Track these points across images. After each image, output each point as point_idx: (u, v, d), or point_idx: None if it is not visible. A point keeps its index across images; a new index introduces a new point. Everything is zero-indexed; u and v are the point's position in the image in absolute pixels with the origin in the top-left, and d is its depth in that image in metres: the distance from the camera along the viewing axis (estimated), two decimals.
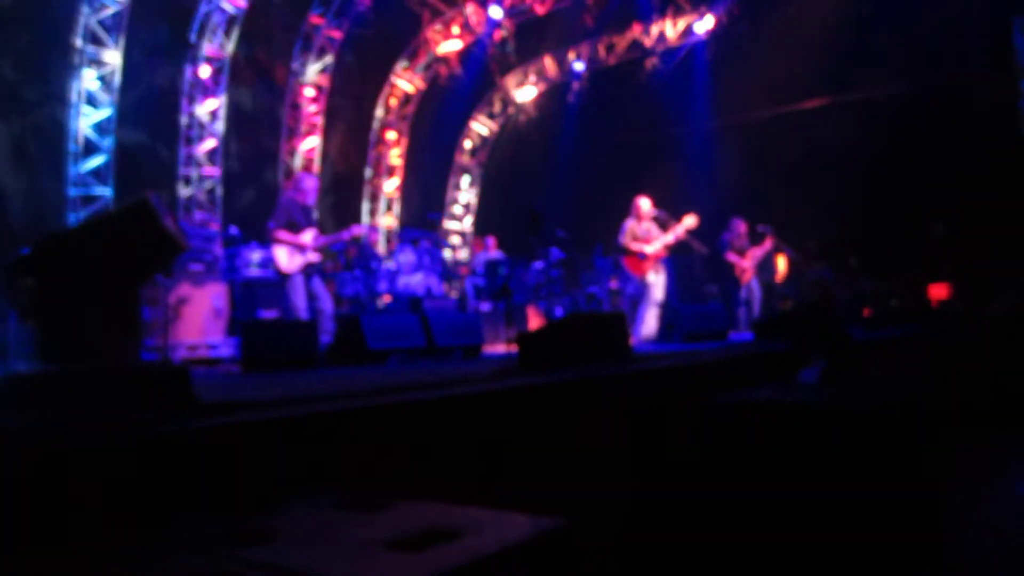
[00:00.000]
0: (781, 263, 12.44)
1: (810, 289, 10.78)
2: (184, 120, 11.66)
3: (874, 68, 12.96)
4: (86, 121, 10.06)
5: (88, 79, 10.05)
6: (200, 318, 8.77)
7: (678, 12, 14.48)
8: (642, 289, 9.17)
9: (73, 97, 9.97)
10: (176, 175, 11.59)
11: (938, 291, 11.99)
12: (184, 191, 11.59)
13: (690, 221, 9.18)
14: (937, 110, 12.03)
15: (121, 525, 1.84)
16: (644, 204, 9.31)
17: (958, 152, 11.84)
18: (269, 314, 9.26)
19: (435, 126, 16.23)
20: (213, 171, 11.90)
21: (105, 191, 10.13)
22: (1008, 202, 11.13)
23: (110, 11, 10.09)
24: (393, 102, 15.57)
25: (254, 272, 9.65)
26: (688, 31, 14.72)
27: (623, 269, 9.40)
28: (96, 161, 10.13)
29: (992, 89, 12.05)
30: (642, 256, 9.09)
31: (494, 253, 12.97)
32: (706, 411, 3.48)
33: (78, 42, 9.91)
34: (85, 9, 9.90)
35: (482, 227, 16.67)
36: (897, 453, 3.30)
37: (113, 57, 10.20)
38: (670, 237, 9.19)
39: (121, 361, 2.78)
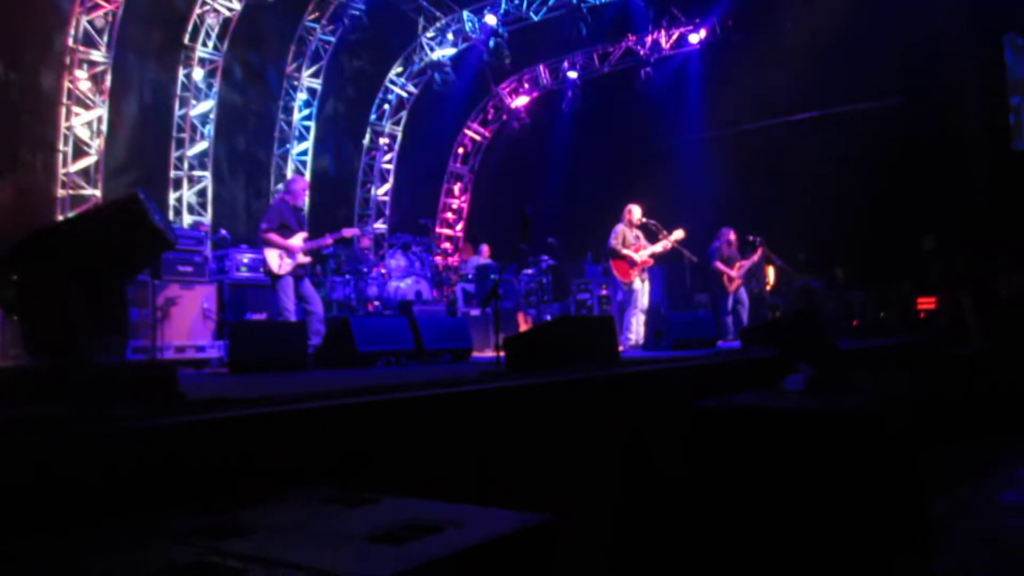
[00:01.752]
0: (771, 273, 12.49)
1: (797, 297, 10.83)
2: (176, 122, 11.64)
3: (866, 81, 13.05)
4: (77, 121, 10.03)
5: (79, 79, 10.02)
6: (188, 320, 8.74)
7: (672, 22, 14.53)
8: (628, 296, 9.22)
9: (64, 97, 9.94)
10: (167, 176, 11.56)
11: (927, 303, 12.06)
12: (174, 193, 11.56)
13: (679, 234, 9.33)
14: (928, 123, 12.10)
15: (105, 517, 1.84)
16: (635, 211, 9.39)
17: (949, 165, 11.92)
18: (258, 317, 9.24)
19: (428, 131, 16.24)
20: (204, 173, 11.88)
21: (95, 192, 10.09)
22: (999, 215, 11.20)
23: (102, 11, 10.08)
24: (386, 107, 15.58)
25: (243, 274, 9.63)
26: (682, 41, 14.78)
27: (611, 274, 9.46)
28: (86, 161, 10.10)
29: (983, 103, 12.14)
30: (631, 262, 9.15)
31: (486, 260, 12.98)
32: (692, 415, 3.49)
33: (70, 42, 9.89)
34: (77, 9, 9.88)
35: (473, 234, 16.67)
36: (881, 460, 3.32)
37: (105, 57, 10.18)
38: (658, 247, 9.30)
39: (107, 357, 2.78)
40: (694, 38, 14.49)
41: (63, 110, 9.93)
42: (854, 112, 13.48)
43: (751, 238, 11.04)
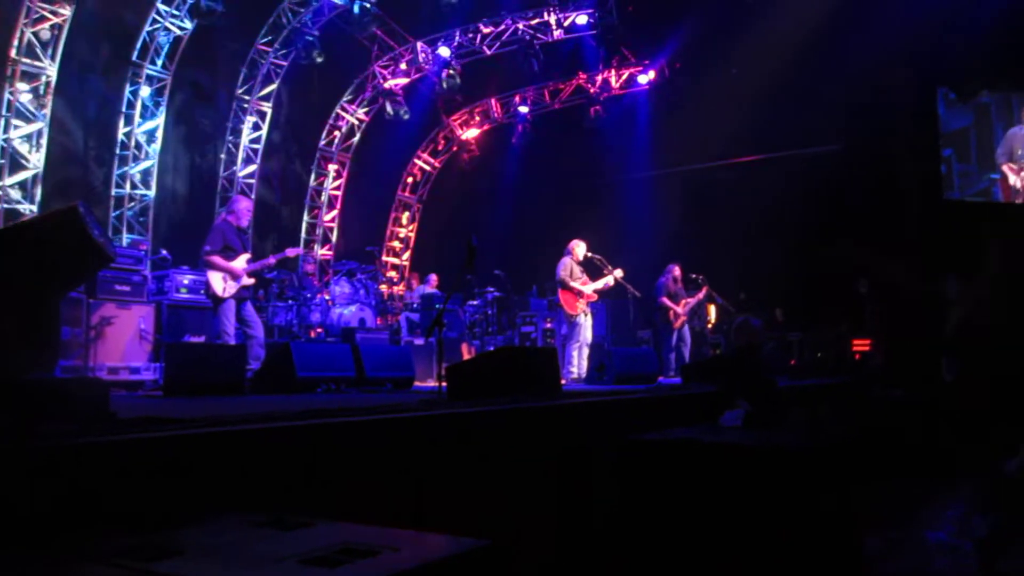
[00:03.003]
0: (712, 311, 12.69)
1: (737, 332, 11.03)
2: (120, 139, 11.43)
3: (807, 127, 13.44)
4: (15, 134, 9.77)
5: (21, 91, 9.77)
6: (124, 340, 8.52)
7: (622, 63, 14.85)
8: (571, 329, 9.32)
9: (3, 109, 9.69)
10: (108, 193, 11.32)
11: (862, 345, 12.34)
12: (115, 211, 11.32)
13: (618, 273, 9.54)
14: (866, 170, 12.49)
15: (31, 537, 1.78)
16: (580, 248, 9.52)
17: (884, 212, 12.28)
18: (197, 340, 9.05)
19: (378, 160, 16.22)
20: (147, 192, 11.67)
21: (31, 207, 9.82)
22: (930, 261, 11.54)
23: (48, 23, 9.88)
24: (337, 133, 15.54)
25: (183, 296, 9.44)
26: (631, 81, 15.10)
27: (557, 308, 9.58)
28: (23, 175, 9.83)
29: (916, 154, 12.58)
30: (578, 294, 9.29)
31: (432, 289, 12.95)
32: (628, 447, 3.52)
33: (13, 52, 9.66)
34: (22, 19, 9.66)
35: (419, 263, 16.65)
36: (815, 497, 3.38)
37: (49, 70, 9.96)
38: (600, 284, 9.47)
39: (35, 372, 2.70)
40: (643, 79, 14.83)
41: (1, 122, 9.67)
42: (795, 156, 13.86)
43: (695, 276, 11.23)
